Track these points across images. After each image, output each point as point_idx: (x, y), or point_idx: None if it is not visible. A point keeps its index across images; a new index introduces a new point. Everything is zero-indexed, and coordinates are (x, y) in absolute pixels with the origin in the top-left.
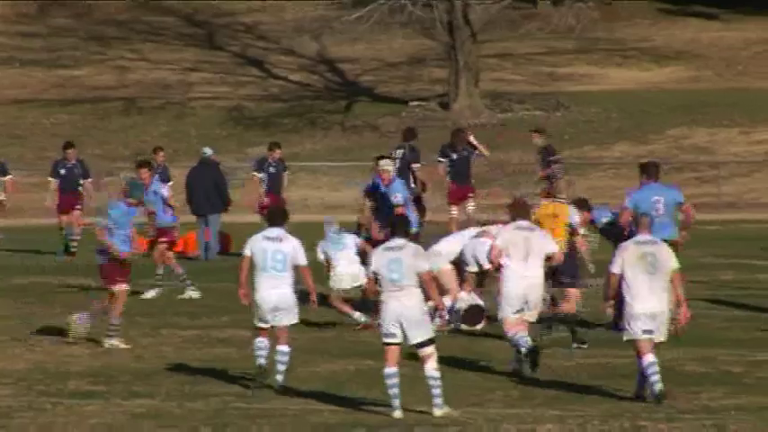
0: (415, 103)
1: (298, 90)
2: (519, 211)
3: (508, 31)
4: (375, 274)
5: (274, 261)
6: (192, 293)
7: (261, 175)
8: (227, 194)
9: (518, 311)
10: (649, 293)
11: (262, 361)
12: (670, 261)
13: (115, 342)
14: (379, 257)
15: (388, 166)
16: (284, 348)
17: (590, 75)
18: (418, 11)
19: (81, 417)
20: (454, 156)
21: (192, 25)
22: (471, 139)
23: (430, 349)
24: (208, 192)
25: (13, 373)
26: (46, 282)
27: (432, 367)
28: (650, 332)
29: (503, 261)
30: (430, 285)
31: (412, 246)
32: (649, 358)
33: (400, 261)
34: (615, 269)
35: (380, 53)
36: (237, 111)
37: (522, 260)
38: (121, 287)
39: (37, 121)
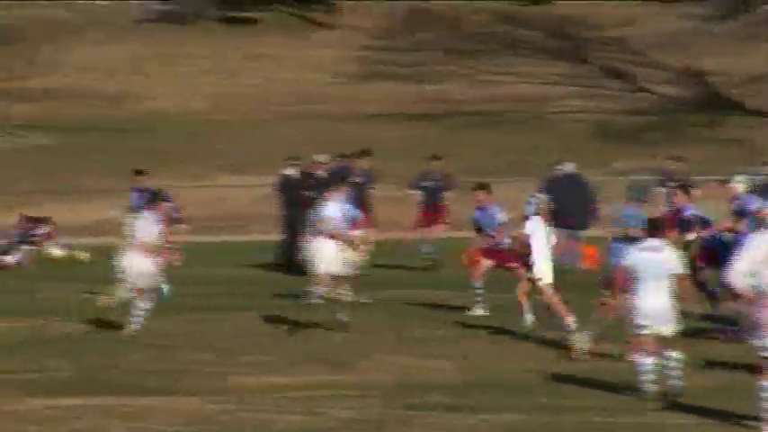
0: None
1: (665, 103)
2: None
3: None
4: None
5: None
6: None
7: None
8: (596, 209)
9: None
10: None
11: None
12: None
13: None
14: None
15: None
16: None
17: None
18: None
19: (446, 430)
20: None
21: (559, 38)
22: None
23: None
24: (575, 206)
25: (379, 385)
26: (409, 295)
27: None
28: None
29: None
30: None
31: None
32: None
33: None
34: None
35: (750, 65)
36: (604, 124)
37: None
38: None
39: (402, 135)
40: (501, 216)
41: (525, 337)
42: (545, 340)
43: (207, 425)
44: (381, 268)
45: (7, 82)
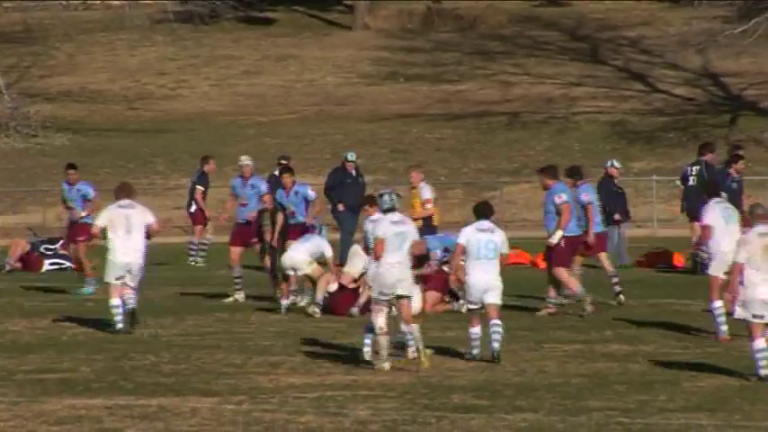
0: None
1: (681, 104)
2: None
3: None
4: None
5: (487, 250)
6: None
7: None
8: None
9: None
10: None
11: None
12: None
13: None
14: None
15: None
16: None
17: None
18: None
19: (465, 431)
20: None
21: (576, 39)
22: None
23: None
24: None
25: (397, 387)
26: None
27: None
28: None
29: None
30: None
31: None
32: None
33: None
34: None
35: (765, 67)
36: (621, 125)
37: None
38: None
39: (421, 135)
40: (311, 194)
41: (553, 339)
42: (569, 342)
43: (223, 425)
44: None
45: (26, 82)
